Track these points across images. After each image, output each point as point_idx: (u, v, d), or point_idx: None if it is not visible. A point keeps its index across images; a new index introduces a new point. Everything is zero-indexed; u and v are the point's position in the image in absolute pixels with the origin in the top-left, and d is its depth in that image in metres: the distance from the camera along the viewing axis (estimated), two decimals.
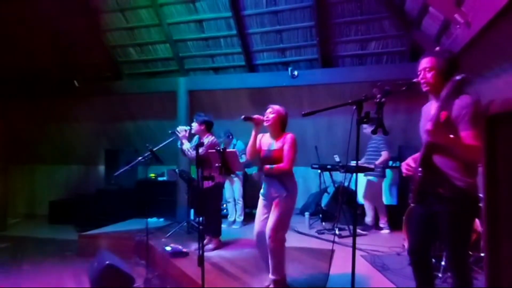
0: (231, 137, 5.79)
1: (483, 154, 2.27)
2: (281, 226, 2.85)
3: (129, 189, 6.49)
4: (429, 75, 2.02)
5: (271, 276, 2.91)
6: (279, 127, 2.97)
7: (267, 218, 2.92)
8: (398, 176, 5.58)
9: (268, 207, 2.95)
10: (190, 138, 4.24)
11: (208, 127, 4.24)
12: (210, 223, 4.19)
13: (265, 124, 2.95)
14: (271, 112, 2.97)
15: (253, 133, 2.96)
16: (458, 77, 1.76)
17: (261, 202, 3.03)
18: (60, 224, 6.65)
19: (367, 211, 5.04)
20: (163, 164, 4.55)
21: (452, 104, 1.92)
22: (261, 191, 3.04)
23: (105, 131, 7.48)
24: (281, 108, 3.01)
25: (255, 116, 2.95)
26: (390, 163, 5.44)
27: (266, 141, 3.03)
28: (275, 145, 2.94)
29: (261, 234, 2.93)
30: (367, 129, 4.45)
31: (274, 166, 2.87)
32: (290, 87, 5.64)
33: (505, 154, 2.52)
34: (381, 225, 5.02)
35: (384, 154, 4.80)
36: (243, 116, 2.94)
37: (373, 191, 5.00)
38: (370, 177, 4.93)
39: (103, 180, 7.13)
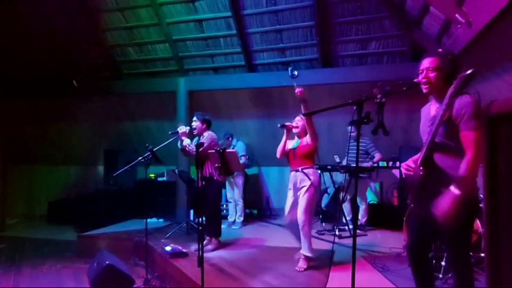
0: (230, 138, 5.77)
1: (483, 154, 2.26)
2: (309, 207, 3.38)
3: (129, 189, 6.48)
4: (432, 75, 2.00)
5: (305, 253, 3.43)
6: (305, 132, 3.55)
7: (295, 204, 3.45)
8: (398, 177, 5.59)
9: (296, 195, 3.49)
10: (190, 138, 4.24)
11: (208, 126, 4.30)
12: (210, 223, 4.18)
13: (294, 130, 3.58)
14: (299, 120, 3.59)
15: (284, 137, 3.61)
16: (468, 72, 1.74)
17: (290, 194, 3.56)
18: (59, 225, 6.63)
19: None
20: (162, 164, 4.54)
21: (452, 103, 1.91)
22: (290, 185, 3.56)
23: (104, 131, 7.46)
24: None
25: (289, 124, 3.58)
26: (387, 163, 5.46)
27: (292, 141, 3.65)
28: (301, 142, 3.55)
29: (294, 217, 3.44)
30: (354, 132, 4.68)
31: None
32: (290, 87, 5.61)
33: (505, 154, 2.52)
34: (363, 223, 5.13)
35: (378, 155, 5.04)
36: (279, 125, 3.57)
37: (362, 190, 5.13)
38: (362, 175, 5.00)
39: (102, 180, 7.12)
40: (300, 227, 3.38)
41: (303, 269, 3.41)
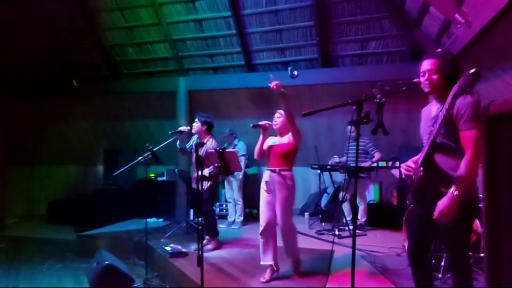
0: (234, 135, 5.77)
1: (482, 154, 2.26)
2: (289, 215, 3.17)
3: (128, 189, 6.48)
4: (435, 76, 2.01)
5: (299, 257, 3.31)
6: (287, 129, 3.22)
7: (271, 209, 3.18)
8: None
9: (271, 199, 3.19)
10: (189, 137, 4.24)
11: (209, 128, 4.26)
12: (206, 224, 4.18)
13: (274, 127, 3.28)
14: (279, 116, 3.28)
15: (261, 137, 3.27)
16: (471, 71, 1.75)
17: (264, 194, 3.23)
18: (58, 224, 6.62)
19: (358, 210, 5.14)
20: (162, 164, 4.54)
21: (454, 104, 1.91)
22: (262, 184, 3.25)
23: (104, 131, 7.47)
24: None
25: (263, 122, 3.26)
26: (387, 163, 5.47)
27: (274, 138, 3.33)
28: (282, 140, 3.24)
29: (268, 224, 3.18)
30: (354, 132, 4.69)
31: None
32: (289, 87, 5.60)
33: (505, 154, 2.52)
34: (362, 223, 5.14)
35: (377, 155, 5.03)
36: (252, 125, 3.29)
37: (362, 190, 5.15)
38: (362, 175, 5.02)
39: (102, 180, 7.12)
40: (283, 233, 3.19)
41: (266, 280, 3.13)
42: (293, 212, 3.26)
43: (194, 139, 4.37)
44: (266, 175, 3.24)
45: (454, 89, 1.81)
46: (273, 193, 3.18)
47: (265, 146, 3.28)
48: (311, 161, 5.63)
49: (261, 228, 3.19)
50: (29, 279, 4.10)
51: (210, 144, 4.12)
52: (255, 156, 3.33)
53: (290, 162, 3.19)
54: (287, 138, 3.21)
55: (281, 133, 3.29)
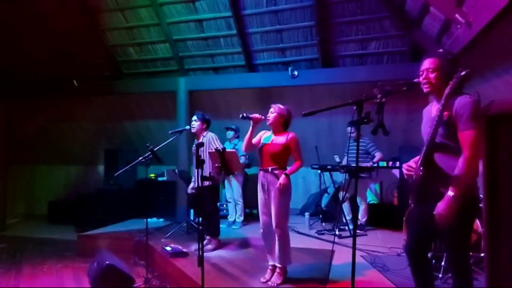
0: (237, 134, 5.76)
1: (482, 153, 2.27)
2: (284, 217, 3.06)
3: (129, 189, 6.48)
4: (432, 75, 2.02)
5: (277, 264, 3.14)
6: (281, 126, 3.16)
7: (268, 211, 3.13)
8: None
9: (267, 201, 3.13)
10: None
11: (208, 125, 4.30)
12: (208, 223, 4.18)
13: (267, 122, 3.16)
14: (272, 111, 3.17)
15: (250, 129, 3.16)
16: (462, 73, 1.79)
17: (260, 196, 3.19)
18: (59, 224, 6.64)
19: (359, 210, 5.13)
20: (163, 164, 4.55)
21: (452, 104, 1.92)
22: (259, 186, 3.20)
23: (104, 131, 7.47)
24: (283, 108, 3.19)
25: (254, 115, 3.13)
26: (387, 163, 5.47)
27: (266, 134, 3.25)
28: (276, 140, 3.13)
29: (266, 227, 3.16)
30: (354, 133, 4.67)
31: (290, 169, 3.08)
32: (290, 87, 5.63)
33: (505, 154, 2.51)
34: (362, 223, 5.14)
35: (378, 155, 5.00)
36: (241, 115, 3.16)
37: (362, 190, 5.14)
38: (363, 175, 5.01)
39: (102, 180, 7.13)
40: (277, 237, 3.07)
41: (276, 284, 3.07)
42: (289, 214, 3.13)
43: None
44: (260, 175, 3.18)
45: (446, 91, 1.85)
46: (268, 193, 3.11)
47: (255, 141, 3.19)
48: (311, 161, 5.63)
49: (260, 231, 3.24)
50: (30, 279, 4.10)
51: (209, 137, 4.14)
52: (243, 149, 3.27)
53: (283, 161, 3.11)
54: (281, 139, 3.10)
55: (273, 129, 3.19)
